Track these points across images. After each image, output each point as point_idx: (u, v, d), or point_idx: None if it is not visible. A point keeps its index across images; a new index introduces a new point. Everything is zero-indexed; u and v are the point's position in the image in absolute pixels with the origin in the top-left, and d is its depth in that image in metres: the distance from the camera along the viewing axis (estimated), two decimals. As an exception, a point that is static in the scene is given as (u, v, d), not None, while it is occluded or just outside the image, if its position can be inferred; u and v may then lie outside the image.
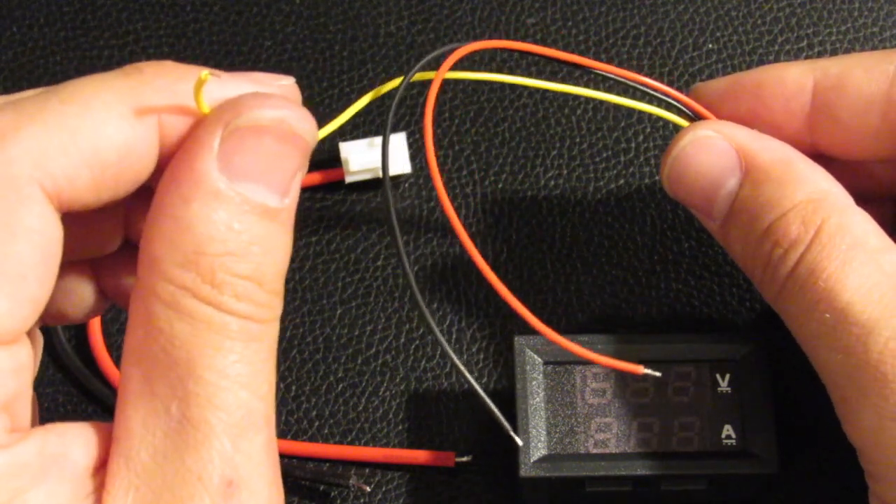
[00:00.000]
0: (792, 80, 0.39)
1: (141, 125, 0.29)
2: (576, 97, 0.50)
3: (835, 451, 0.43)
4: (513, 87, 0.50)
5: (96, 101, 0.28)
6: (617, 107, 0.49)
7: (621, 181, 0.48)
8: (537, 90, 0.50)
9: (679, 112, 0.40)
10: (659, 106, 0.40)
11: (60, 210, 0.29)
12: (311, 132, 0.30)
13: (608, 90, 0.41)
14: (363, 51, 0.51)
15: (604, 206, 0.48)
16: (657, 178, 0.48)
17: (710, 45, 0.51)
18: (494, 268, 0.47)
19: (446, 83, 0.50)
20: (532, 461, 0.40)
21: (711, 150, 0.38)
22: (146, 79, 0.29)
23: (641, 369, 0.37)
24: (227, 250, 0.28)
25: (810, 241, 0.35)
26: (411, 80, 0.37)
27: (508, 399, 0.43)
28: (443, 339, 0.35)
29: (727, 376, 0.41)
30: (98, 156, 0.28)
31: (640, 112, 0.49)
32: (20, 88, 0.39)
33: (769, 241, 0.36)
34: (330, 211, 0.48)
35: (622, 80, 0.39)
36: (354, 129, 0.49)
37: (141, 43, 0.51)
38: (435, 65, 0.37)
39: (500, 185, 0.48)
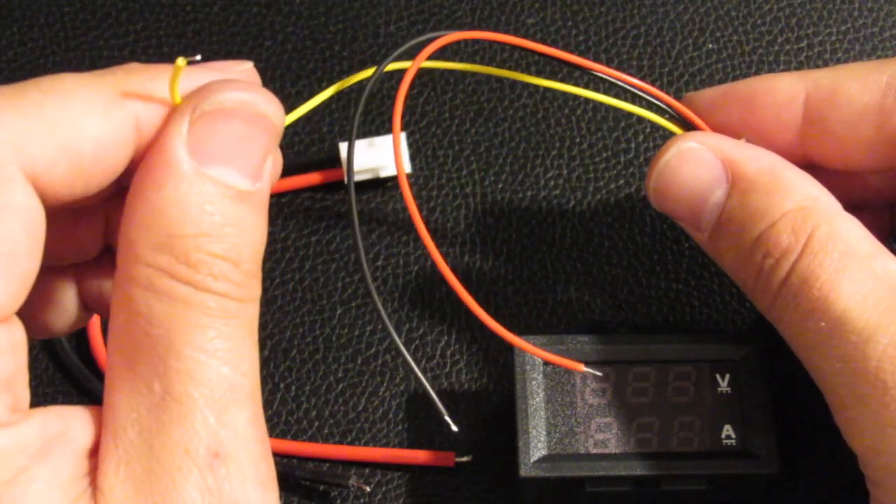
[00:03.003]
0: (784, 91, 0.39)
1: (118, 122, 0.29)
2: (575, 97, 0.50)
3: (835, 451, 0.43)
4: (513, 86, 0.50)
5: (76, 94, 0.29)
6: (617, 107, 0.49)
7: (621, 181, 0.48)
8: (537, 90, 0.50)
9: (671, 118, 0.40)
10: (653, 111, 0.40)
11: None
12: (276, 114, 0.31)
13: (605, 92, 0.41)
14: (363, 51, 0.51)
15: (604, 206, 0.48)
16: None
17: (710, 45, 0.51)
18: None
19: (447, 82, 0.50)
20: (532, 461, 0.40)
21: (697, 161, 0.38)
22: (119, 80, 0.30)
23: (582, 367, 0.38)
24: (200, 231, 0.29)
25: (801, 250, 0.35)
26: (398, 72, 0.37)
27: (508, 399, 0.43)
28: (392, 329, 0.35)
29: (727, 376, 0.41)
30: (75, 147, 0.29)
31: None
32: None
33: (760, 251, 0.36)
34: (330, 211, 0.48)
35: (612, 80, 0.39)
36: (354, 129, 0.49)
37: (141, 43, 0.51)
38: (411, 55, 0.37)
39: (500, 185, 0.48)
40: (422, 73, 0.50)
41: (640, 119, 0.49)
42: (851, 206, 0.37)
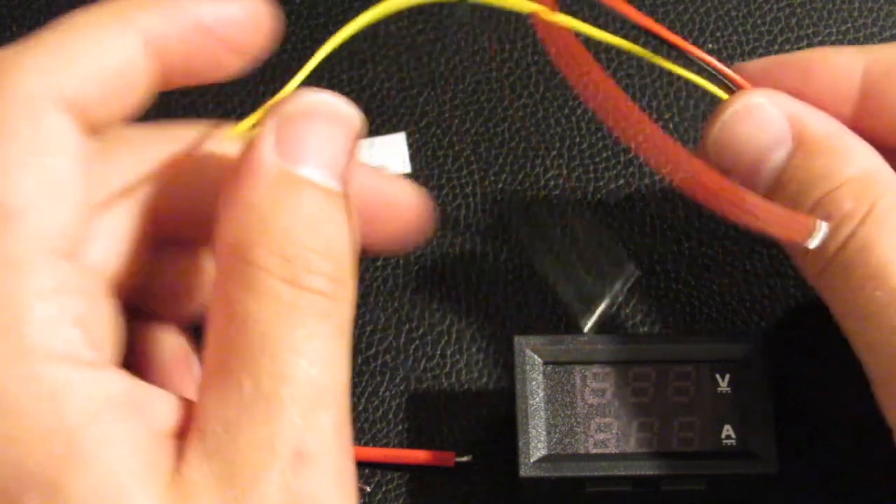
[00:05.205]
0: (842, 64, 0.38)
1: (130, 36, 0.31)
2: (576, 97, 0.50)
3: (835, 451, 0.43)
4: (513, 86, 0.50)
5: (87, 25, 0.30)
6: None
7: (621, 181, 0.48)
8: (537, 90, 0.50)
9: (721, 84, 0.39)
10: (703, 76, 0.39)
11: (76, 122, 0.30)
12: (355, 115, 0.32)
13: (654, 51, 0.40)
14: (363, 51, 0.51)
15: (604, 206, 0.48)
16: (657, 177, 0.48)
17: (710, 45, 0.51)
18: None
19: (447, 83, 0.50)
20: (532, 461, 0.40)
21: (762, 117, 0.37)
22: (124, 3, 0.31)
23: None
24: (295, 225, 0.30)
25: (863, 217, 0.34)
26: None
27: (508, 399, 0.43)
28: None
29: (727, 376, 0.41)
30: (99, 69, 0.30)
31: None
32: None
33: (819, 214, 0.35)
34: (330, 211, 0.48)
35: (661, 38, 0.38)
36: (354, 129, 0.49)
37: (141, 43, 0.51)
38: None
39: (500, 185, 0.48)
40: (421, 73, 0.50)
41: (640, 119, 0.49)
42: None
